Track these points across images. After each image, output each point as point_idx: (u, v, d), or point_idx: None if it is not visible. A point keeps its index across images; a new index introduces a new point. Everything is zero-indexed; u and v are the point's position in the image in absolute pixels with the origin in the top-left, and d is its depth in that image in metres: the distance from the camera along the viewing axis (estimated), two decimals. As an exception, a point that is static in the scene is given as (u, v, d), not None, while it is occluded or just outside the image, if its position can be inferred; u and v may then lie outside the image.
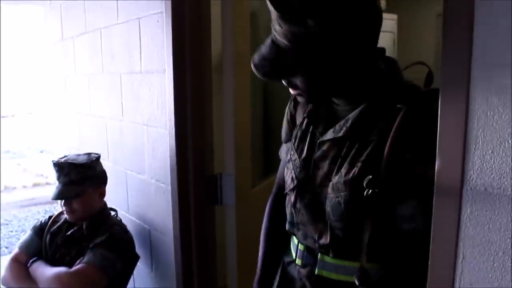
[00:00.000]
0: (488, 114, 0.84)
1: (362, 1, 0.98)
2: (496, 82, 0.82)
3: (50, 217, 2.01)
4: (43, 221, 2.01)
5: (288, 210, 1.24)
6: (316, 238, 1.14)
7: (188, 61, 1.67)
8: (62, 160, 1.86)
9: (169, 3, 1.60)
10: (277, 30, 1.00)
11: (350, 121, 1.08)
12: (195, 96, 1.70)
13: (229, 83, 1.75)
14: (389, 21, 3.42)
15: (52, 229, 1.93)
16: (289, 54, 0.99)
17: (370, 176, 1.00)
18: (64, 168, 1.83)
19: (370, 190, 1.00)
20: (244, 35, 1.83)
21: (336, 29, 0.96)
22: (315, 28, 0.95)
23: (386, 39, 3.40)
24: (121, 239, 1.86)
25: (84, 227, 1.85)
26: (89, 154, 1.94)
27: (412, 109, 1.01)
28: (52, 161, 1.87)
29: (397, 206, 1.03)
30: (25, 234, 2.02)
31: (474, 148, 0.86)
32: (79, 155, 1.92)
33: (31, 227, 2.03)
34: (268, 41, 1.03)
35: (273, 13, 0.99)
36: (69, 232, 1.88)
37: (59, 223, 1.95)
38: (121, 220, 1.98)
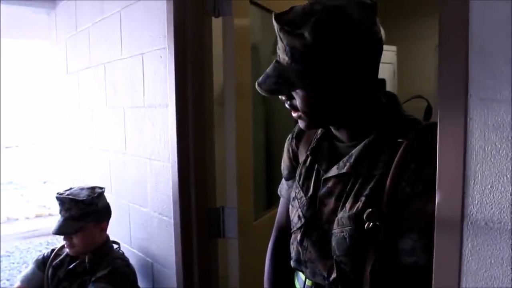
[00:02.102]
0: (486, 149, 0.85)
1: (359, 20, 1.00)
2: (493, 117, 0.84)
3: (52, 250, 2.01)
4: (45, 254, 2.01)
5: (294, 248, 1.23)
6: (326, 275, 1.13)
7: (190, 96, 1.69)
8: (65, 194, 1.87)
9: (172, 40, 1.64)
10: (279, 47, 1.04)
11: (353, 157, 1.09)
12: (197, 129, 1.72)
13: (230, 116, 1.77)
14: (389, 52, 3.47)
15: (55, 262, 1.93)
16: (289, 69, 1.03)
17: (370, 210, 1.01)
18: (66, 203, 1.84)
19: (371, 223, 1.01)
20: (246, 68, 1.86)
21: (333, 45, 0.98)
22: (311, 41, 0.98)
23: (386, 70, 3.45)
24: (123, 273, 1.85)
25: (86, 260, 1.85)
26: (93, 188, 1.95)
27: (413, 143, 1.03)
28: (56, 194, 1.88)
29: (398, 239, 1.03)
30: (27, 268, 2.02)
31: (473, 183, 0.87)
32: (83, 188, 1.93)
33: (33, 260, 2.03)
34: (273, 62, 1.07)
35: (276, 28, 1.03)
36: (71, 266, 1.88)
37: (61, 257, 1.94)
38: (123, 253, 1.97)
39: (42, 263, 1.97)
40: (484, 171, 0.86)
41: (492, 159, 0.84)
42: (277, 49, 1.06)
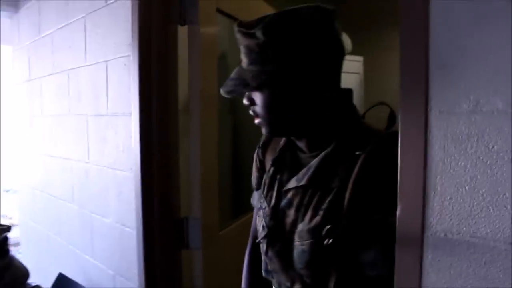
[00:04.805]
0: (445, 161, 0.86)
1: (313, 22, 1.03)
2: (452, 130, 0.85)
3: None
4: None
5: (262, 257, 1.24)
6: (289, 286, 1.13)
7: (154, 104, 1.67)
8: None
9: (136, 47, 1.61)
10: (241, 50, 1.08)
11: (312, 169, 1.09)
12: (161, 138, 1.69)
13: (195, 124, 1.75)
14: (356, 63, 3.52)
15: None
16: (247, 70, 1.06)
17: (329, 226, 1.01)
18: None
19: (330, 240, 1.00)
20: (212, 77, 1.84)
21: (283, 43, 1.01)
22: (263, 40, 1.01)
23: (353, 80, 3.49)
24: None
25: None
26: None
27: (370, 155, 1.03)
28: None
29: (360, 253, 1.03)
30: None
31: (433, 194, 0.88)
32: None
33: None
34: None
35: (235, 31, 1.09)
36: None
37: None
38: None
39: None
40: (444, 183, 0.86)
41: (451, 171, 0.85)
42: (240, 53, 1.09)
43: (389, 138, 1.02)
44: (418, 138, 0.89)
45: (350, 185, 1.02)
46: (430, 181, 0.88)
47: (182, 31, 1.72)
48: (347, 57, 3.68)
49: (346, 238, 1.01)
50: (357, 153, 1.04)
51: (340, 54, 1.09)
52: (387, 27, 3.85)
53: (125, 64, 1.70)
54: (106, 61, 1.83)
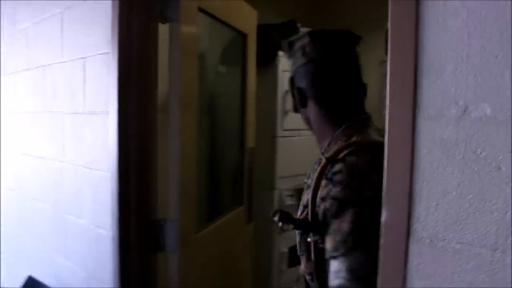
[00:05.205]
0: (433, 166, 0.85)
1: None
2: (440, 135, 0.84)
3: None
4: None
5: None
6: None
7: (133, 103, 1.63)
8: None
9: (116, 44, 1.57)
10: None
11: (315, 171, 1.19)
12: (140, 138, 1.65)
13: (175, 125, 1.71)
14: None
15: None
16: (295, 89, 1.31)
17: (300, 217, 1.18)
18: None
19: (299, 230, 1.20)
20: (192, 76, 1.81)
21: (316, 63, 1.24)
22: (303, 60, 1.25)
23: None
24: None
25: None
26: None
27: (328, 161, 1.13)
28: None
29: (328, 262, 1.10)
30: None
31: (419, 200, 0.87)
32: None
33: None
34: None
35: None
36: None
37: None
38: None
39: None
40: (431, 188, 0.85)
41: (438, 176, 0.84)
42: None
43: (351, 146, 1.14)
44: (405, 142, 0.88)
45: (311, 187, 1.14)
46: (416, 186, 0.87)
47: (163, 30, 1.69)
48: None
49: (309, 231, 1.13)
50: (323, 157, 1.15)
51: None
52: (365, 32, 3.85)
53: (104, 62, 1.66)
54: (84, 58, 1.78)
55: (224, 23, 2.12)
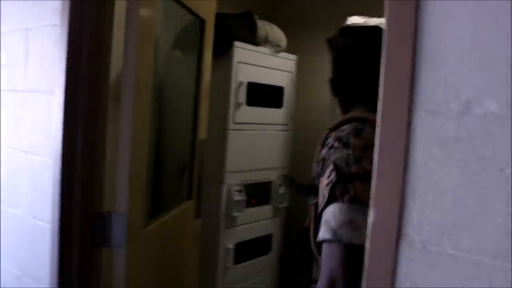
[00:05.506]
0: (429, 165, 0.78)
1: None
2: (438, 132, 0.77)
3: None
4: None
5: None
6: None
7: (82, 84, 1.47)
8: None
9: (66, 16, 1.41)
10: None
11: None
12: (88, 123, 1.50)
13: (127, 111, 1.56)
14: (289, 61, 3.46)
15: None
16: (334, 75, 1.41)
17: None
18: None
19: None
20: (147, 61, 1.67)
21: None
22: (333, 53, 1.41)
23: (286, 79, 3.44)
24: None
25: None
26: None
27: (327, 133, 1.29)
28: None
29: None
30: None
31: (413, 201, 0.80)
32: None
33: None
34: None
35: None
36: None
37: None
38: None
39: None
40: (426, 189, 0.78)
41: (435, 177, 0.77)
42: None
43: (342, 120, 1.29)
44: (398, 138, 0.81)
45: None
46: (410, 186, 0.80)
47: (119, 8, 1.54)
48: (281, 54, 3.59)
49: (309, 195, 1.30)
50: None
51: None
52: (320, 29, 3.84)
53: (50, 35, 1.48)
54: (26, 29, 1.59)
55: (184, 6, 1.99)
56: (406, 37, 0.80)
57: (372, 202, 0.84)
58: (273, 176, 3.45)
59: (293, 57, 3.51)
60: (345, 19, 3.15)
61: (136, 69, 1.55)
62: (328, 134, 1.27)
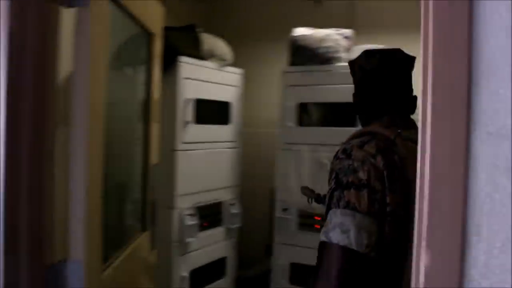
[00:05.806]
0: (495, 197, 0.65)
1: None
2: (504, 157, 0.65)
3: None
4: None
5: None
6: None
7: (26, 107, 1.22)
8: None
9: (6, 28, 1.15)
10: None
11: None
12: (33, 155, 1.25)
13: (80, 141, 1.34)
14: (235, 75, 3.33)
15: None
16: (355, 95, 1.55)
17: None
18: None
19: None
20: (101, 80, 1.46)
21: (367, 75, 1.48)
22: (358, 74, 1.51)
23: (233, 94, 3.29)
24: None
25: None
26: None
27: (340, 148, 1.40)
28: None
29: None
30: None
31: (477, 240, 0.67)
32: None
33: None
34: None
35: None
36: None
37: None
38: None
39: None
40: (492, 225, 0.66)
41: (503, 210, 0.65)
42: None
43: (357, 136, 1.45)
44: (456, 167, 0.67)
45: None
46: (472, 222, 0.67)
47: (67, 17, 1.31)
48: (227, 69, 3.45)
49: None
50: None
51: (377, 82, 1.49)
52: (267, 42, 3.79)
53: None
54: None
55: (131, 17, 1.78)
56: (458, 50, 0.67)
57: (424, 242, 0.70)
58: (224, 196, 3.28)
59: (239, 71, 3.38)
60: (290, 31, 3.09)
61: (88, 88, 1.33)
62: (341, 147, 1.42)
